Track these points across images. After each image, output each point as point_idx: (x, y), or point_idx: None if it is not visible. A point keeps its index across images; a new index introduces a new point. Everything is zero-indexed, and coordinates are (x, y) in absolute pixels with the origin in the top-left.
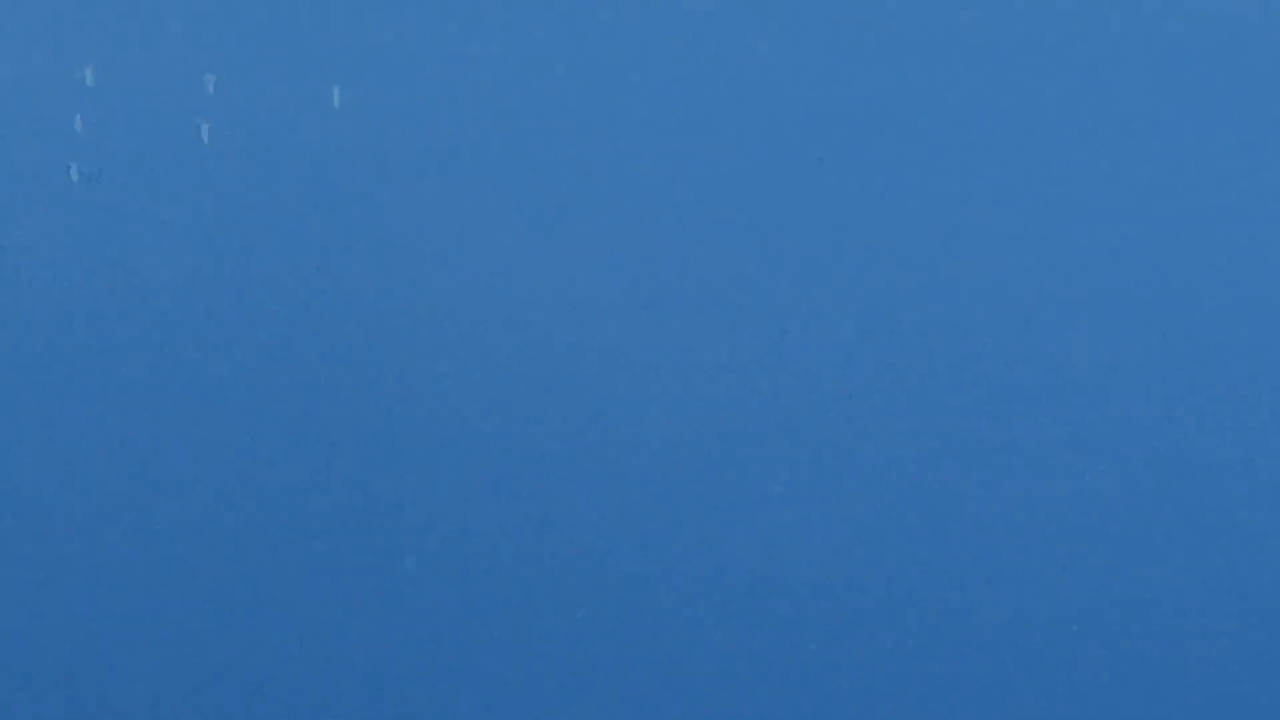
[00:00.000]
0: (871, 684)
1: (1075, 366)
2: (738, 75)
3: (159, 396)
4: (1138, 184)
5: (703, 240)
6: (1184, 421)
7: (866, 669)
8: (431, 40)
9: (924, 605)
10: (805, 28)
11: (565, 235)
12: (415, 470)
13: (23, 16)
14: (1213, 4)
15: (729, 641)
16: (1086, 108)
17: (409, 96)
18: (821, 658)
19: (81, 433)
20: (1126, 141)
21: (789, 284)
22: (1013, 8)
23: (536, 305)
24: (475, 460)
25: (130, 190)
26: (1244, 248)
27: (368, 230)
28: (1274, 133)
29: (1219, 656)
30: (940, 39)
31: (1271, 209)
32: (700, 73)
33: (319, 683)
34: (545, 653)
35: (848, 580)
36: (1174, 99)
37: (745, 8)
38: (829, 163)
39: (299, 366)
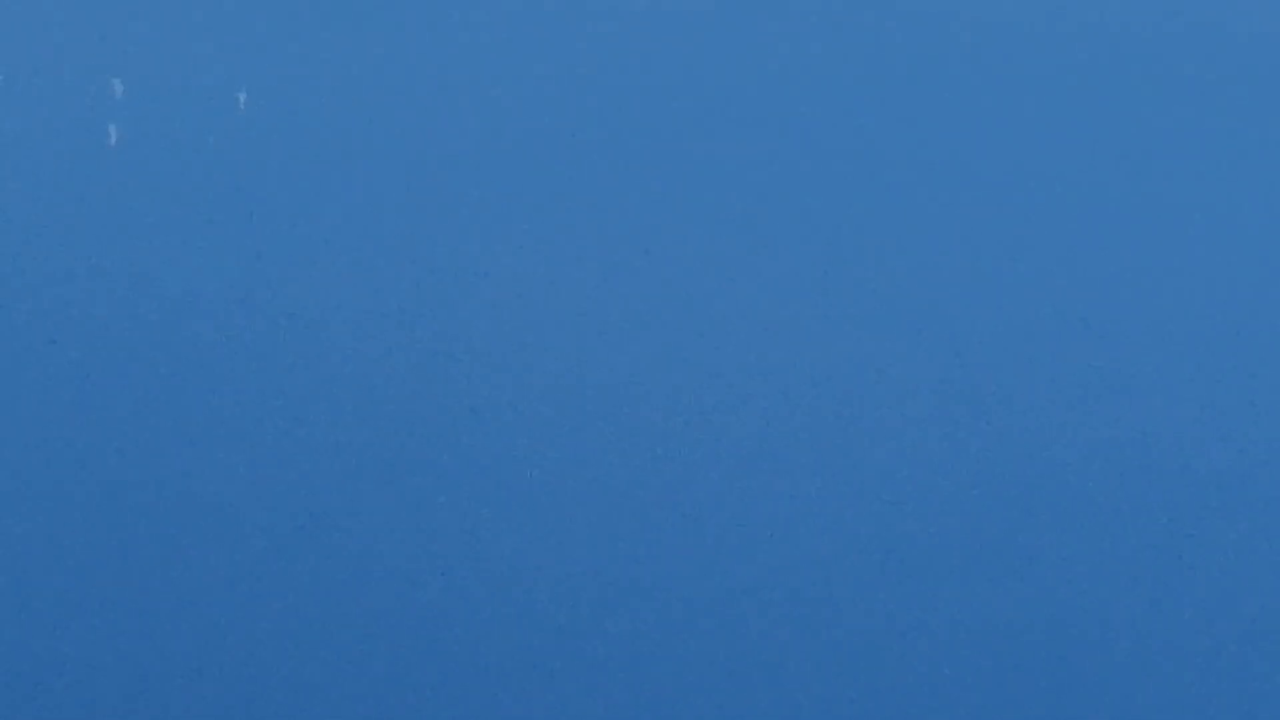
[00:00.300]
0: (876, 685)
1: (1075, 369)
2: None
3: (57, 397)
4: (1137, 186)
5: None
6: (1184, 423)
7: (868, 671)
8: (338, 44)
9: (923, 606)
10: (805, 31)
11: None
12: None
13: None
14: (1214, 4)
15: (730, 646)
16: (1086, 112)
17: (314, 100)
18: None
19: None
20: (1127, 144)
21: (788, 287)
22: (1014, 11)
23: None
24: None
25: (38, 191)
26: (1244, 249)
27: (276, 231)
28: (1274, 134)
29: (1218, 656)
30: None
31: (1272, 210)
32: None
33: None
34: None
35: (846, 584)
36: (1174, 102)
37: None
38: (829, 167)
39: (202, 366)
